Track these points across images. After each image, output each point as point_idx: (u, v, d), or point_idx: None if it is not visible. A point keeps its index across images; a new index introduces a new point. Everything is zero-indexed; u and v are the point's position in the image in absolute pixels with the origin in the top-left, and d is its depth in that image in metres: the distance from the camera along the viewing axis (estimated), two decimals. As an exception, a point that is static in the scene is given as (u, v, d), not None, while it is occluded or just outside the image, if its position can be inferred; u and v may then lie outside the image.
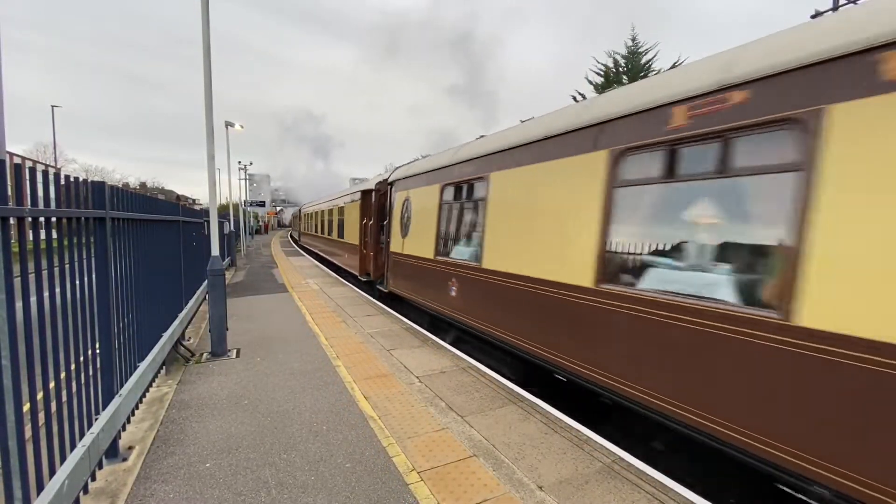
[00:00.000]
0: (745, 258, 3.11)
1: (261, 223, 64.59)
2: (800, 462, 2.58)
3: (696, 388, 3.18)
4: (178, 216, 6.48)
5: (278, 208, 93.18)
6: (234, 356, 6.05)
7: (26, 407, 2.21)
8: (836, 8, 3.64)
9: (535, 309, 4.88)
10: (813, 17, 3.62)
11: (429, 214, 7.72)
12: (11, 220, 2.17)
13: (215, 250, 6.50)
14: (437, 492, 3.04)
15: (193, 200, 79.05)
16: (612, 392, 3.92)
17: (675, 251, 3.60)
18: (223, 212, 22.75)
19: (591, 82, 27.65)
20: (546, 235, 4.78)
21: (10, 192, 2.13)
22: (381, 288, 10.66)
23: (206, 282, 7.67)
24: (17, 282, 2.18)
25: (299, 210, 39.22)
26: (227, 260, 16.40)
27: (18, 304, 2.17)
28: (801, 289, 2.60)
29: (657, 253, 3.73)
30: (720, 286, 3.14)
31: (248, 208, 40.52)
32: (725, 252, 3.22)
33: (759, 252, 3.04)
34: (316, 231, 23.70)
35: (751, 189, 3.07)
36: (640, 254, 3.84)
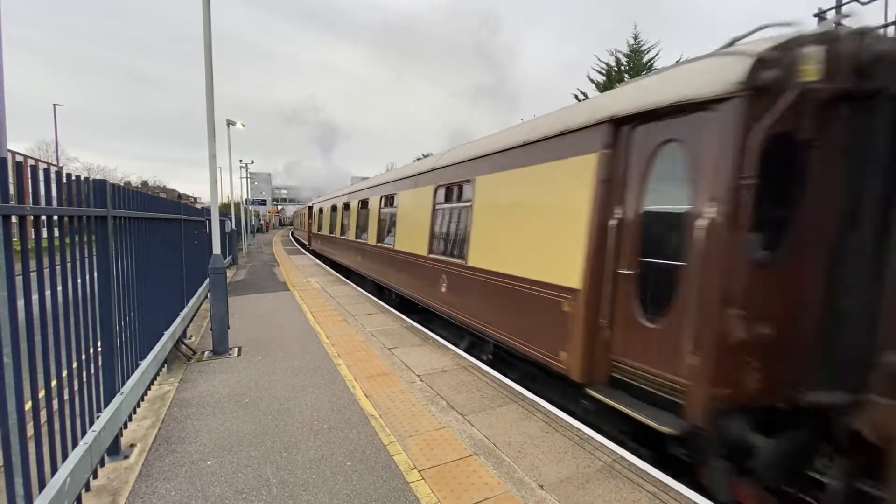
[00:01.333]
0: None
1: (262, 222, 64.69)
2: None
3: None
4: (179, 214, 6.49)
5: (279, 207, 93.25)
6: (235, 354, 6.06)
7: (28, 405, 2.22)
8: (839, 6, 3.63)
9: (339, 246, 15.85)
10: (816, 15, 3.61)
11: (316, 217, 22.79)
12: (13, 219, 2.17)
13: (217, 249, 6.51)
14: (438, 490, 3.05)
15: (195, 199, 79.17)
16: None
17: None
18: (224, 210, 22.90)
19: (592, 81, 27.61)
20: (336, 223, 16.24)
21: (11, 191, 2.14)
22: (308, 246, 25.89)
23: (207, 280, 7.68)
24: (19, 280, 2.19)
25: (293, 213, 61.11)
26: (228, 258, 16.42)
27: (20, 303, 2.17)
28: (469, 251, 6.23)
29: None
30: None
31: (250, 207, 40.81)
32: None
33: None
34: (295, 225, 45.86)
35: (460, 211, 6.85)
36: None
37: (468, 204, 6.27)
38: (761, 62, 2.80)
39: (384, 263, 10.20)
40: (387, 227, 10.36)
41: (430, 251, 7.50)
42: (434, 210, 7.50)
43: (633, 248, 3.69)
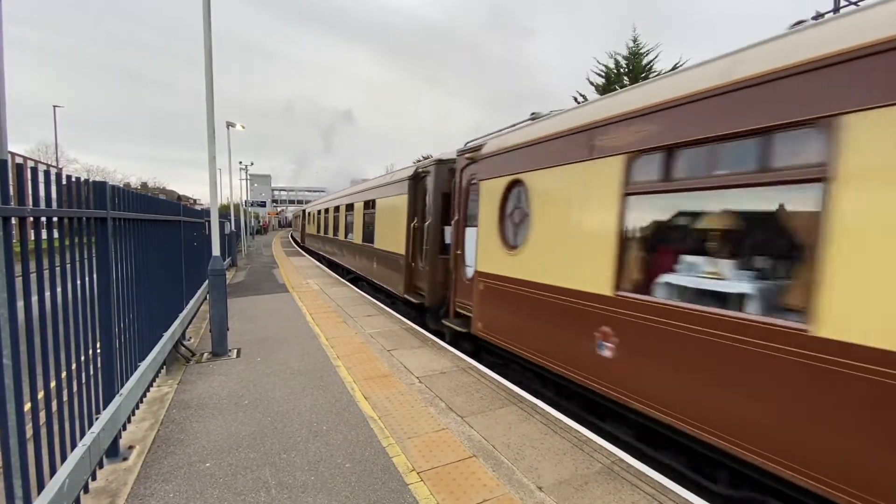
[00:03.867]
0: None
1: (261, 224, 64.60)
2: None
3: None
4: (179, 216, 6.49)
5: (279, 209, 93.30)
6: (234, 356, 6.05)
7: (28, 406, 2.22)
8: (837, 10, 3.64)
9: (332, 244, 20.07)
10: (814, 18, 3.62)
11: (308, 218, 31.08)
12: (13, 220, 2.18)
13: (216, 250, 6.51)
14: (437, 492, 3.05)
15: (194, 200, 79.09)
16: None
17: None
18: (224, 212, 22.93)
19: (591, 83, 27.63)
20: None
21: (11, 192, 2.14)
22: (296, 239, 38.24)
23: (206, 282, 7.68)
24: (19, 281, 2.19)
25: (293, 215, 69.02)
26: (227, 260, 16.42)
27: (20, 304, 2.17)
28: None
29: None
30: None
31: (250, 208, 41.13)
32: None
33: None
34: (294, 226, 50.27)
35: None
36: None
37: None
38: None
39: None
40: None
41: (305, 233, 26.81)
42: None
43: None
